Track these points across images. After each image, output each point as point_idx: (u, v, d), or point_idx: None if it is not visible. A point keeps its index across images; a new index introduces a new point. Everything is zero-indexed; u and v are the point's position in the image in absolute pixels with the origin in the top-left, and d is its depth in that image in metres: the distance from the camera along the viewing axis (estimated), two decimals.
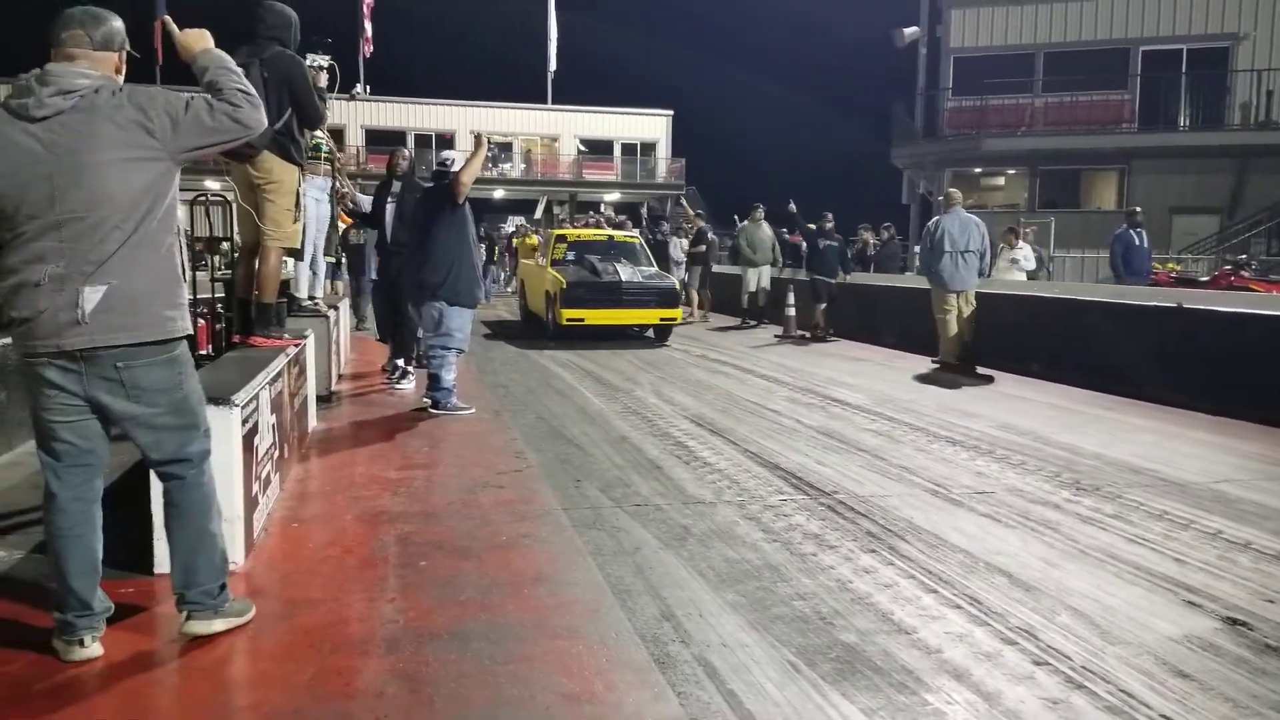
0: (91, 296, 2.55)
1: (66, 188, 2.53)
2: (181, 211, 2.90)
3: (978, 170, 24.27)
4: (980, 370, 9.18)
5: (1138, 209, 13.14)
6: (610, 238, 13.41)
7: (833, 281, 12.49)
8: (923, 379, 8.94)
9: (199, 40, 2.82)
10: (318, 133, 6.17)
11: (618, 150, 41.86)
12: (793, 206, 13.18)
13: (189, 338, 2.83)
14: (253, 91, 2.73)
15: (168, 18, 3.18)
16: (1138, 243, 12.02)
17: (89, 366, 2.60)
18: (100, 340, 2.57)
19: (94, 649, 2.71)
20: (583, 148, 41.61)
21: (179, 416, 2.76)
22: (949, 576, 3.51)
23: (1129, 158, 21.84)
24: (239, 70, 2.78)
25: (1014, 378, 8.87)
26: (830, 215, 12.80)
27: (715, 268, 17.06)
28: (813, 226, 12.88)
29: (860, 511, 4.34)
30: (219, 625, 2.88)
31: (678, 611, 3.13)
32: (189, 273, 2.82)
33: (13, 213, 2.55)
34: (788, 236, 17.13)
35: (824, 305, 12.43)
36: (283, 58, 4.78)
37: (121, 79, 2.73)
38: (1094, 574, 3.59)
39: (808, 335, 12.45)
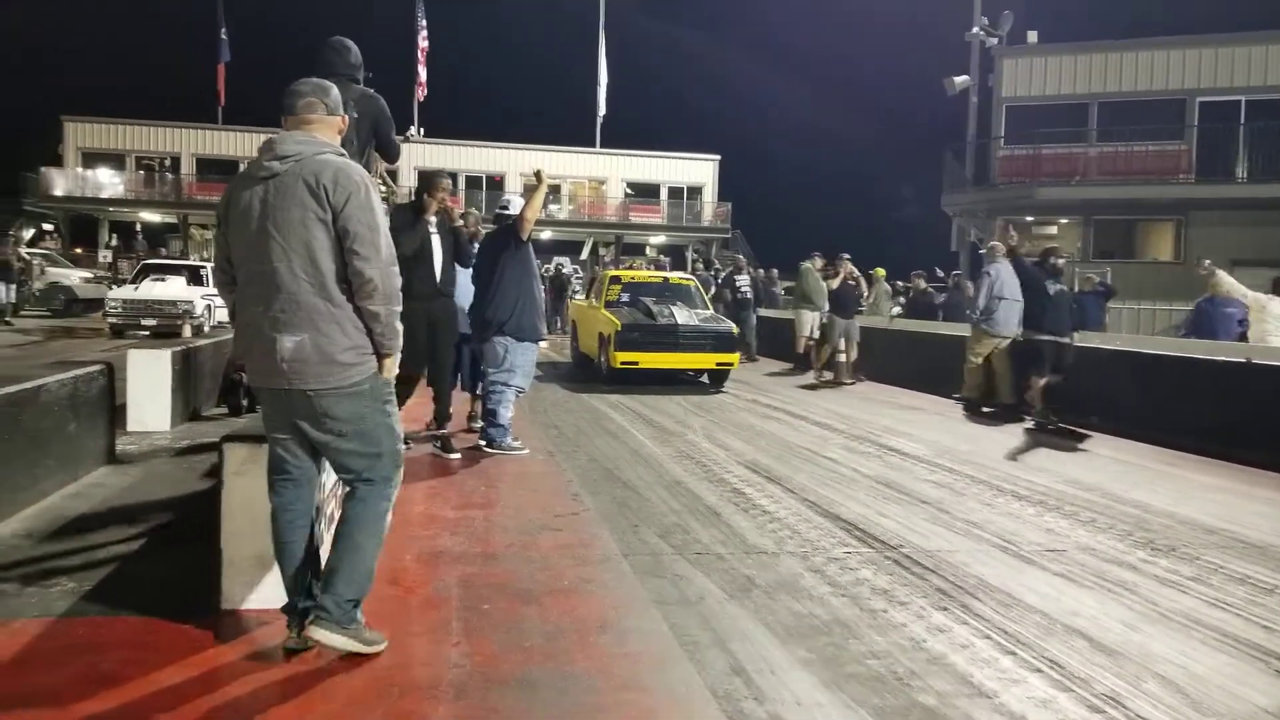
0: (286, 344, 2.83)
1: (269, 241, 2.84)
2: None
3: (1030, 219, 24.03)
4: (1018, 414, 9.32)
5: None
6: (665, 279, 13.32)
7: (1067, 342, 9.03)
8: (980, 429, 8.79)
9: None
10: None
11: (664, 193, 42.21)
12: (1013, 234, 9.76)
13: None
14: (378, 303, 2.89)
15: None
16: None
17: (290, 396, 2.91)
18: (296, 384, 2.88)
19: (297, 642, 2.99)
20: (629, 191, 42.05)
21: (364, 444, 2.97)
22: (1026, 638, 3.40)
23: (1186, 209, 21.49)
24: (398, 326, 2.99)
25: (1073, 430, 8.67)
26: (1060, 248, 9.97)
27: (762, 311, 17.03)
28: (1032, 259, 9.49)
29: (928, 567, 4.23)
30: (340, 641, 2.92)
31: (748, 666, 3.06)
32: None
33: (239, 261, 2.94)
34: (836, 280, 16.98)
35: (1045, 379, 8.95)
36: (370, 98, 4.90)
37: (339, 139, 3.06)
38: (1177, 639, 3.45)
39: (1044, 422, 8.90)
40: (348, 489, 3.04)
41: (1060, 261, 9.36)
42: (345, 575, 2.93)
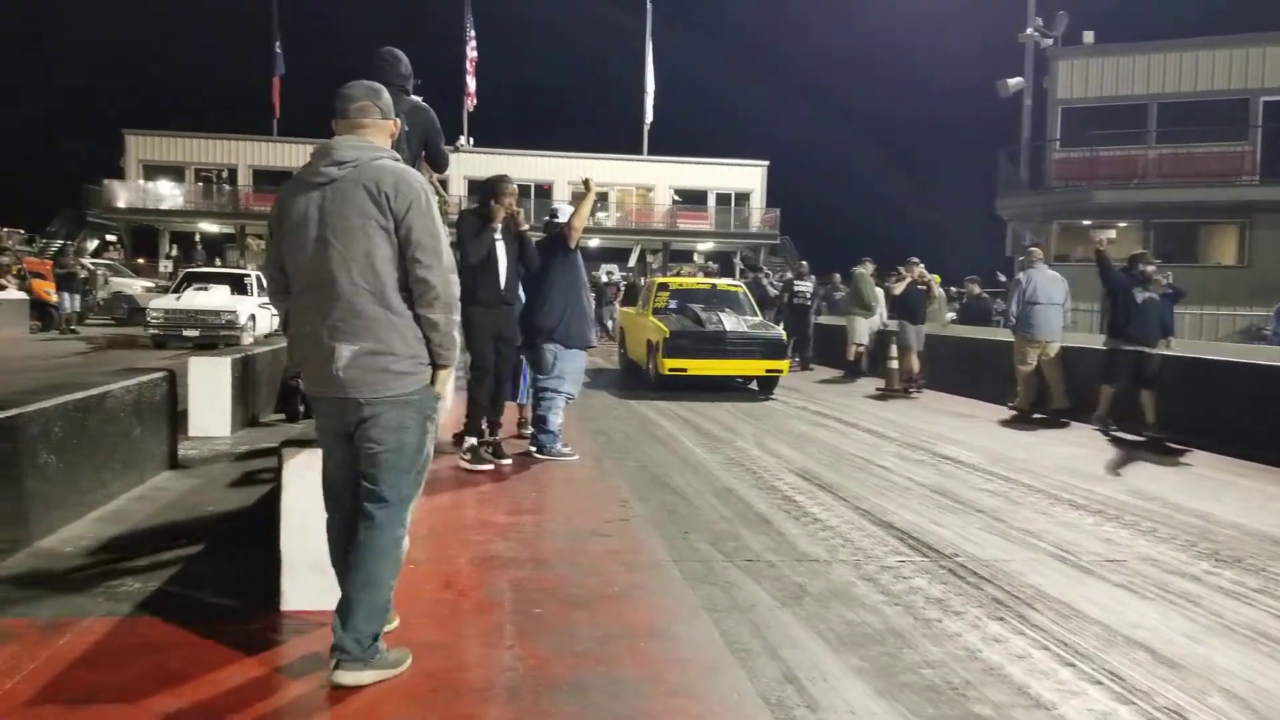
0: (344, 354, 2.80)
1: (328, 249, 2.80)
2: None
3: (1087, 222, 23.54)
4: (1061, 420, 9.24)
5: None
6: (713, 286, 13.26)
7: (1153, 352, 8.64)
8: (1035, 436, 8.61)
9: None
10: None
11: (712, 200, 42.21)
12: (1102, 238, 9.21)
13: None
14: (439, 311, 2.87)
15: None
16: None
17: (344, 405, 2.88)
18: (351, 393, 2.84)
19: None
20: (677, 198, 42.09)
21: (398, 456, 2.90)
22: (1086, 650, 3.33)
23: (1250, 211, 20.90)
24: (456, 335, 2.97)
25: (1133, 438, 8.46)
26: (1147, 254, 9.36)
27: (821, 318, 16.75)
28: (1120, 263, 9.05)
29: (984, 576, 4.16)
30: (368, 677, 2.83)
31: (800, 674, 3.04)
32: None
33: (293, 270, 2.90)
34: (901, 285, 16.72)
35: (1115, 389, 8.72)
36: (421, 109, 4.98)
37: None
38: (1243, 652, 3.35)
39: (1102, 429, 8.70)
40: (365, 514, 2.89)
41: (1150, 269, 8.80)
42: (365, 610, 2.82)
